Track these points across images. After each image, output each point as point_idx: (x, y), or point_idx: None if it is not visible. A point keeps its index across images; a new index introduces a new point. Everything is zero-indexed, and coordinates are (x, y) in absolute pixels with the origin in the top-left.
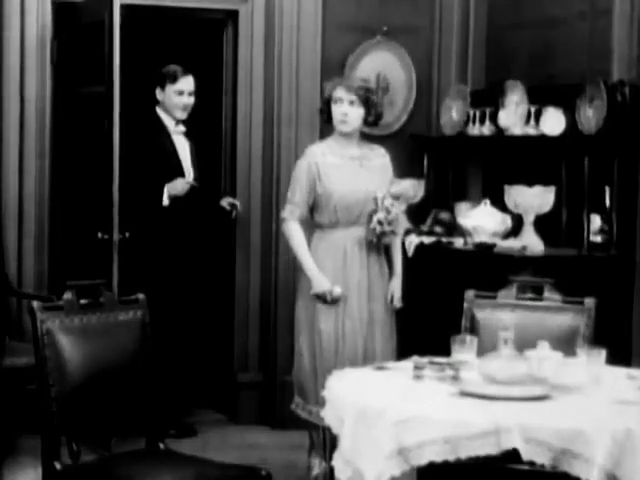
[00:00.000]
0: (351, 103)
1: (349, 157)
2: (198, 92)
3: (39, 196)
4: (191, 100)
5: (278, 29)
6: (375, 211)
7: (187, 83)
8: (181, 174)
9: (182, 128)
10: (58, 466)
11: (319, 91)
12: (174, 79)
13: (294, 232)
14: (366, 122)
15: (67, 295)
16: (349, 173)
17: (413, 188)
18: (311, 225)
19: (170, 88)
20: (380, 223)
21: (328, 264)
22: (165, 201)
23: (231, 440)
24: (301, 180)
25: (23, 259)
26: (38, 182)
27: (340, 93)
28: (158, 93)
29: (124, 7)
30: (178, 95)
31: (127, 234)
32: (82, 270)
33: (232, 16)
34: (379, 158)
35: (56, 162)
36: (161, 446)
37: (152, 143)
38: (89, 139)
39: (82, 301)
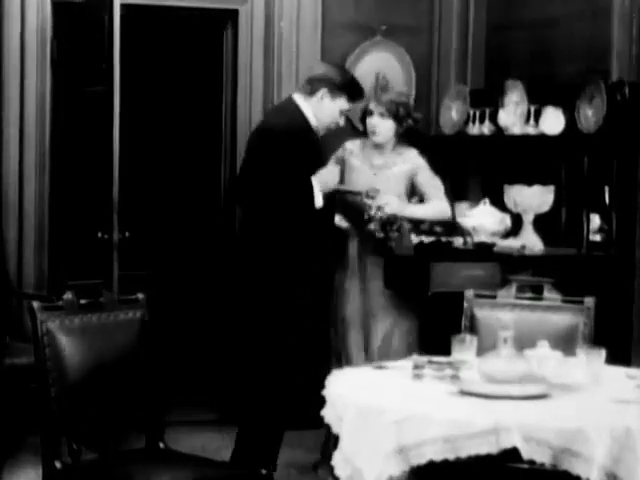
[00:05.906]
0: (381, 115)
1: (369, 164)
2: (198, 92)
3: (39, 196)
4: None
5: (278, 29)
6: (368, 220)
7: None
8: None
9: None
10: (58, 465)
11: None
12: (353, 97)
13: None
14: (400, 130)
15: (67, 295)
16: (361, 179)
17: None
18: None
19: (338, 102)
20: (375, 231)
21: None
22: (319, 202)
23: (231, 440)
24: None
25: (23, 259)
26: (38, 182)
27: (371, 106)
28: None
29: (124, 6)
30: (339, 114)
31: (127, 233)
32: (82, 270)
33: (232, 16)
34: (404, 164)
35: (56, 161)
36: (161, 445)
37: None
38: (89, 139)
39: (82, 301)
